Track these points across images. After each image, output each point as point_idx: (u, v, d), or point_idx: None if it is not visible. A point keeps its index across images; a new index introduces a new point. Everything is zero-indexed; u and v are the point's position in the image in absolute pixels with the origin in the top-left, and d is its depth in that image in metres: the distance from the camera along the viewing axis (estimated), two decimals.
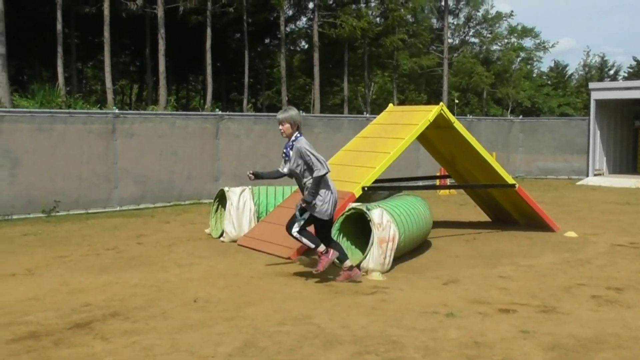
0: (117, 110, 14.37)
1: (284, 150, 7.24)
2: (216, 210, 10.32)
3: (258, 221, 9.73)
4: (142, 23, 31.34)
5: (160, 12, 26.78)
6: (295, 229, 7.13)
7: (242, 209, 9.75)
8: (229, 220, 9.69)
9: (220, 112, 16.04)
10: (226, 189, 10.07)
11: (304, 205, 6.98)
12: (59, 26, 24.93)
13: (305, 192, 7.07)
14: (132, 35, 35.09)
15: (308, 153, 6.96)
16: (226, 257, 8.57)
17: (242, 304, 6.34)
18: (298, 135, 7.16)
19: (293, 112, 7.25)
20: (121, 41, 35.77)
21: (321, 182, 7.00)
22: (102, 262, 8.35)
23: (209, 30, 29.65)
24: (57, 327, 5.61)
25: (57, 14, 24.84)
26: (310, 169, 6.99)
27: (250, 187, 10.17)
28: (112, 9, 26.03)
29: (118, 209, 13.37)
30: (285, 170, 7.28)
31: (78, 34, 33.46)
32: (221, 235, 9.88)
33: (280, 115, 7.21)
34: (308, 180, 7.05)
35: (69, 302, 6.39)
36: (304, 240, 7.19)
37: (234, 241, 9.50)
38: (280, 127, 7.16)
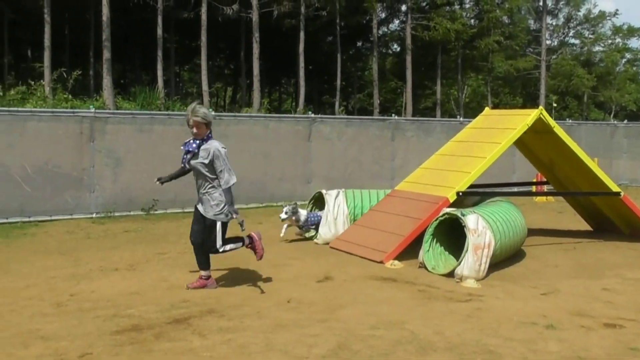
0: (213, 112, 14.73)
1: (188, 149, 6.75)
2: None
3: (351, 224, 9.73)
4: (237, 27, 32.03)
5: (255, 16, 27.30)
6: (220, 247, 6.86)
7: (336, 211, 9.78)
8: (323, 223, 9.74)
9: (312, 115, 16.16)
10: (323, 191, 10.15)
11: (236, 217, 6.66)
12: (159, 31, 25.87)
13: (211, 203, 6.78)
14: (227, 39, 35.93)
15: (225, 158, 6.67)
16: (319, 259, 8.61)
17: (335, 307, 6.34)
18: (210, 135, 6.80)
19: (206, 110, 6.84)
20: (217, 45, 36.71)
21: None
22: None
23: (302, 34, 29.97)
24: (157, 321, 5.81)
25: (157, 19, 25.79)
26: (216, 173, 6.67)
27: (344, 190, 10.19)
28: (209, 13, 26.78)
29: None
30: (189, 165, 6.83)
31: (176, 38, 34.61)
32: (314, 237, 9.94)
33: (198, 114, 6.68)
34: (208, 185, 6.74)
35: (168, 297, 6.61)
36: (229, 247, 6.97)
37: (327, 243, 9.54)
38: (196, 129, 6.68)
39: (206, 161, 6.67)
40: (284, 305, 6.38)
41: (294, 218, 9.69)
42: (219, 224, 6.81)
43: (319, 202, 10.18)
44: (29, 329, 5.53)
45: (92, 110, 12.97)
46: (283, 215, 9.58)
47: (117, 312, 6.08)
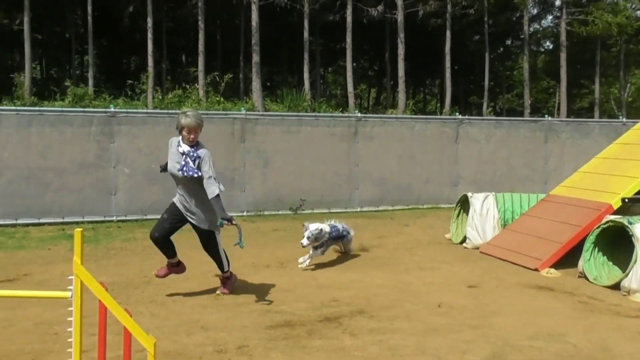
0: (359, 114, 14.83)
1: (184, 158, 6.31)
2: (458, 216, 10.14)
3: (502, 229, 9.37)
4: (382, 28, 32.03)
5: (400, 16, 27.14)
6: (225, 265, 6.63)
7: (485, 215, 9.45)
8: (472, 227, 9.46)
9: (459, 116, 15.80)
10: (469, 194, 9.85)
11: (235, 223, 6.15)
12: (306, 34, 26.42)
13: (199, 213, 6.34)
14: (371, 40, 36.05)
15: (212, 165, 6.29)
16: (468, 264, 8.37)
17: (487, 313, 6.11)
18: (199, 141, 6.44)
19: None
20: (361, 46, 36.94)
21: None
22: (346, 260, 8.62)
23: (448, 33, 29.42)
24: (309, 318, 5.88)
25: (304, 22, 26.35)
26: (202, 181, 6.20)
27: (494, 193, 9.84)
28: (354, 15, 26.98)
29: (358, 209, 13.77)
30: (175, 171, 6.30)
31: (321, 41, 35.22)
32: (463, 241, 9.68)
33: (199, 119, 6.48)
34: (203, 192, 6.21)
35: (319, 295, 6.68)
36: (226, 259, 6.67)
37: (477, 248, 9.25)
38: (194, 134, 6.41)
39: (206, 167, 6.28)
40: (434, 309, 6.24)
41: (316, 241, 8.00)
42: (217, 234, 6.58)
43: (466, 205, 9.88)
44: (191, 319, 5.80)
45: (244, 112, 13.48)
46: (305, 242, 7.84)
47: (270, 307, 6.24)
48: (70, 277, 3.57)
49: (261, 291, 6.82)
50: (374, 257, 8.85)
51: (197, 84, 23.61)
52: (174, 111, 13.83)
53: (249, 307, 6.22)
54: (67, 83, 21.50)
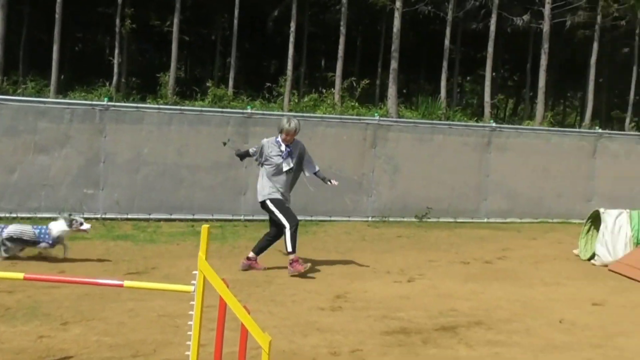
0: (494, 124, 14.60)
1: (283, 150, 8.01)
2: (587, 231, 9.79)
3: (635, 247, 8.94)
4: (526, 38, 31.11)
5: (546, 26, 26.27)
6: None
7: (617, 232, 9.08)
8: (601, 243, 9.11)
9: (599, 130, 15.13)
10: (602, 210, 9.48)
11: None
12: (447, 42, 26.23)
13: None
14: (513, 50, 35.11)
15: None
16: (596, 281, 8.10)
17: (612, 333, 5.93)
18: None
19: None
20: (502, 56, 36.06)
21: None
22: (468, 270, 8.60)
23: (595, 45, 28.11)
24: (425, 326, 5.95)
25: (446, 30, 26.18)
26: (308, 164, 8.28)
27: (628, 210, 9.41)
28: (498, 24, 26.44)
29: (485, 220, 13.56)
30: (288, 166, 8.02)
31: (462, 49, 34.75)
32: (591, 257, 9.33)
33: (298, 124, 8.10)
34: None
35: (437, 304, 6.73)
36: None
37: (605, 265, 8.91)
38: (291, 136, 8.02)
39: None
40: (555, 326, 6.13)
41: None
42: None
43: (597, 221, 9.50)
44: (308, 320, 5.98)
45: (377, 117, 13.66)
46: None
47: (387, 313, 6.33)
48: (194, 272, 3.72)
49: (379, 297, 6.96)
50: (497, 269, 8.76)
51: (334, 89, 24.11)
52: (308, 114, 14.26)
53: (366, 312, 6.34)
54: (209, 84, 22.57)
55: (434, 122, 15.60)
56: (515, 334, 5.83)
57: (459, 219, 13.33)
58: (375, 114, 14.79)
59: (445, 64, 26.22)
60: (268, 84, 23.26)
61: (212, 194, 12.22)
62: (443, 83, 26.08)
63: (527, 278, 8.20)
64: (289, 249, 7.79)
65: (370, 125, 13.22)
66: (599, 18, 27.77)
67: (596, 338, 5.77)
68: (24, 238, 7.97)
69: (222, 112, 13.19)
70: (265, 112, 14.53)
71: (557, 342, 5.61)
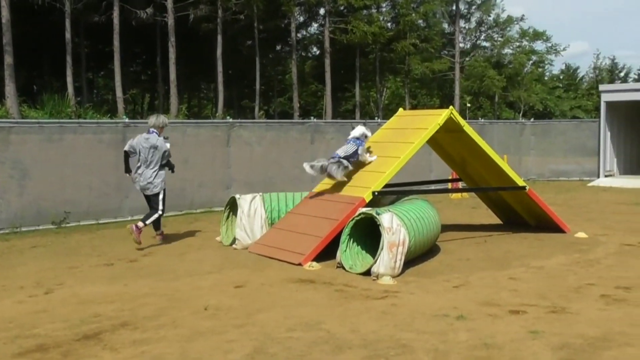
0: (127, 120, 14.39)
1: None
2: (227, 218, 10.29)
3: (270, 228, 9.69)
4: (153, 31, 31.43)
5: (170, 20, 26.84)
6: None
7: (253, 215, 9.71)
8: (240, 228, 9.65)
9: (231, 120, 16.02)
10: (237, 196, 10.03)
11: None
12: (68, 35, 25.03)
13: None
14: (142, 43, 35.20)
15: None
16: (237, 265, 8.54)
17: (252, 311, 6.30)
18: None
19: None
20: (132, 50, 35.88)
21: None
22: (112, 272, 8.32)
23: (219, 38, 29.69)
24: (65, 338, 5.58)
25: (65, 22, 24.95)
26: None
27: (261, 194, 10.14)
28: (122, 17, 26.11)
29: (129, 218, 13.30)
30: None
31: (88, 43, 33.59)
32: (233, 242, 9.84)
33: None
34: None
35: (78, 313, 6.36)
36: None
37: (246, 248, 9.46)
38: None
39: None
40: (201, 313, 6.28)
41: None
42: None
43: (234, 207, 10.06)
44: None
45: None
46: None
47: (20, 332, 5.76)
48: None
49: (9, 316, 6.27)
50: (142, 266, 8.65)
51: None
52: None
53: None
54: None
55: (62, 121, 14.68)
56: (162, 328, 5.82)
57: (102, 220, 12.86)
58: None
59: (69, 58, 25.02)
60: None
61: None
62: (69, 79, 24.91)
63: (173, 271, 8.26)
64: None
65: None
66: (220, 12, 29.37)
67: (239, 319, 6.06)
68: None
69: None
70: None
71: (203, 329, 5.76)
